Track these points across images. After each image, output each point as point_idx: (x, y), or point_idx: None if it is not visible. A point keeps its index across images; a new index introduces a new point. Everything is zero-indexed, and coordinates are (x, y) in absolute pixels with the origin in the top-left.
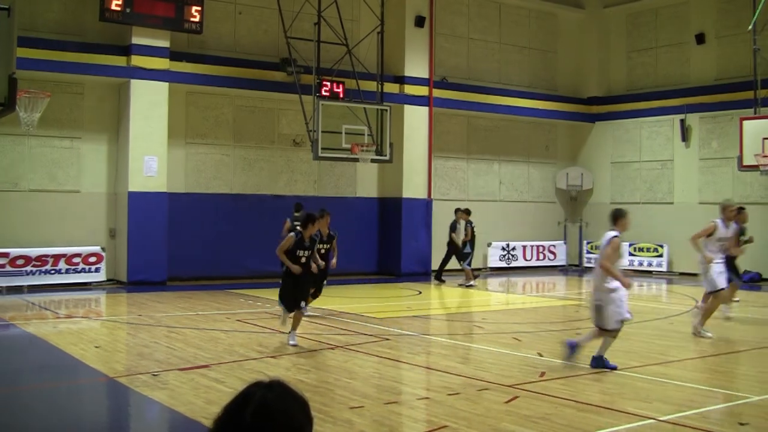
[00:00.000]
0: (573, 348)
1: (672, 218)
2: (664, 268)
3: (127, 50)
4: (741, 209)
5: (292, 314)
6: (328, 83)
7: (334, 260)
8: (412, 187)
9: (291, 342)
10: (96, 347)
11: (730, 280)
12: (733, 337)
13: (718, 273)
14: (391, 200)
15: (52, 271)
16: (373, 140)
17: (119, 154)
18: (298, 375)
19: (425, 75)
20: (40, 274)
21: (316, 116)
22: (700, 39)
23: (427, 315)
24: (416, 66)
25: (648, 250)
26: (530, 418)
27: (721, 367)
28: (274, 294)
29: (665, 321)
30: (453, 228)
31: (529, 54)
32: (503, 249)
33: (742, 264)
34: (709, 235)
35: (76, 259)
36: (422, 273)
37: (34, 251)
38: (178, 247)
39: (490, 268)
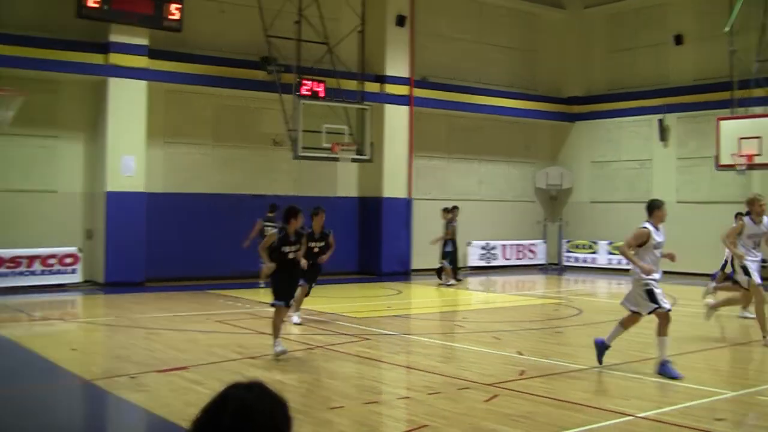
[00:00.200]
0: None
1: None
2: None
3: (105, 48)
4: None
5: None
6: (309, 82)
7: (324, 256)
8: (393, 187)
9: (295, 321)
10: (72, 350)
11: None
12: (711, 334)
13: (754, 270)
14: (371, 200)
15: (27, 273)
16: (353, 140)
17: (97, 153)
18: (278, 376)
19: (406, 74)
20: (14, 275)
21: (296, 115)
22: (679, 40)
23: (407, 314)
24: (397, 65)
25: None
26: (510, 416)
27: (698, 364)
28: (254, 294)
29: (643, 319)
30: (448, 227)
31: (510, 54)
32: (483, 248)
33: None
34: (739, 233)
35: (51, 260)
36: (402, 272)
37: (8, 252)
38: (156, 248)
39: (470, 267)
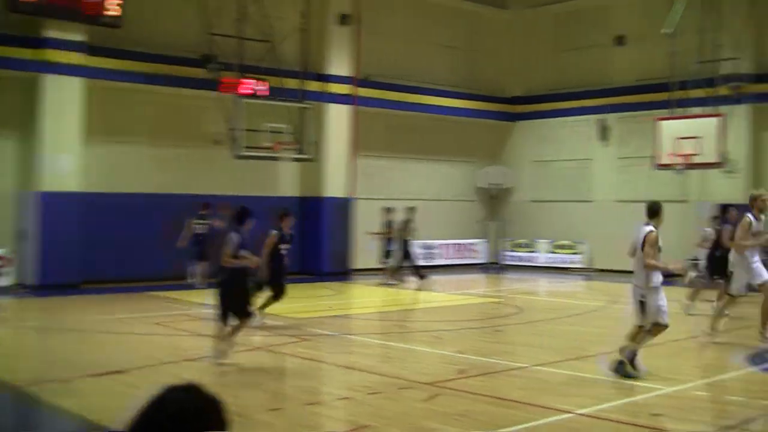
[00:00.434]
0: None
1: (591, 216)
2: (583, 265)
3: (39, 43)
4: (728, 207)
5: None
6: (250, 81)
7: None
8: (334, 186)
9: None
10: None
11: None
12: None
13: (757, 267)
14: (312, 199)
15: None
16: (295, 139)
17: (30, 151)
18: (216, 378)
19: (349, 73)
20: None
21: (237, 114)
22: (621, 41)
23: (348, 314)
24: (340, 64)
25: (567, 247)
26: (451, 415)
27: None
28: (194, 296)
29: (583, 317)
30: (403, 226)
31: (454, 53)
32: (424, 247)
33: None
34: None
35: None
36: (343, 272)
37: None
38: (93, 249)
39: (409, 266)
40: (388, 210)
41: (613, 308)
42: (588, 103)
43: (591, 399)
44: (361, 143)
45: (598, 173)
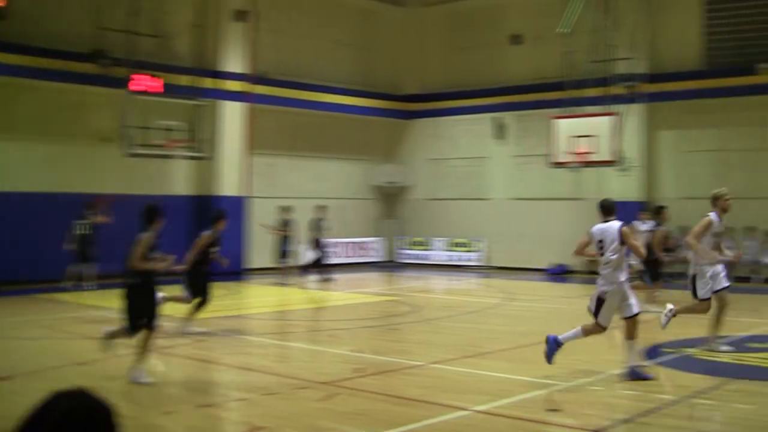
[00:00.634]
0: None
1: (487, 214)
2: (479, 263)
3: None
4: (661, 208)
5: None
6: (142, 77)
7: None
8: (228, 185)
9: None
10: None
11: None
12: (544, 327)
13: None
14: (206, 198)
15: None
16: (189, 137)
17: None
18: (106, 382)
19: (244, 70)
20: None
21: (128, 111)
22: (516, 40)
23: (242, 314)
24: (235, 61)
25: (464, 245)
26: (348, 414)
27: (531, 357)
28: (85, 298)
29: (479, 314)
30: (315, 225)
31: (350, 51)
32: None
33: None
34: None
35: None
36: (237, 272)
37: None
38: None
39: (306, 266)
40: (285, 209)
41: (509, 305)
42: (484, 102)
43: (487, 396)
44: (256, 141)
45: (494, 171)
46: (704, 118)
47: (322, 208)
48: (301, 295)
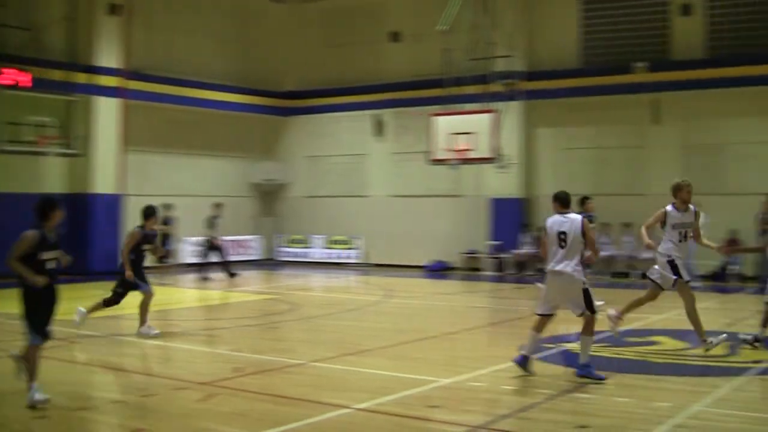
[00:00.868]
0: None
1: (366, 211)
2: (358, 260)
3: None
4: (585, 198)
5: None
6: (11, 71)
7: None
8: (103, 183)
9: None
10: None
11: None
12: (423, 324)
13: (682, 266)
14: (80, 196)
15: None
16: (61, 133)
17: None
18: None
19: (118, 65)
20: None
21: None
22: (396, 37)
23: (118, 315)
24: (109, 56)
25: (342, 242)
26: (228, 414)
27: (412, 354)
28: None
29: (358, 312)
30: (209, 224)
31: (228, 47)
32: (197, 245)
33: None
34: (662, 223)
35: None
36: (114, 271)
37: None
38: None
39: (185, 264)
40: (167, 207)
41: (389, 302)
42: (363, 99)
43: (368, 393)
44: (132, 138)
45: (373, 168)
46: (582, 116)
47: (218, 206)
48: (180, 295)
